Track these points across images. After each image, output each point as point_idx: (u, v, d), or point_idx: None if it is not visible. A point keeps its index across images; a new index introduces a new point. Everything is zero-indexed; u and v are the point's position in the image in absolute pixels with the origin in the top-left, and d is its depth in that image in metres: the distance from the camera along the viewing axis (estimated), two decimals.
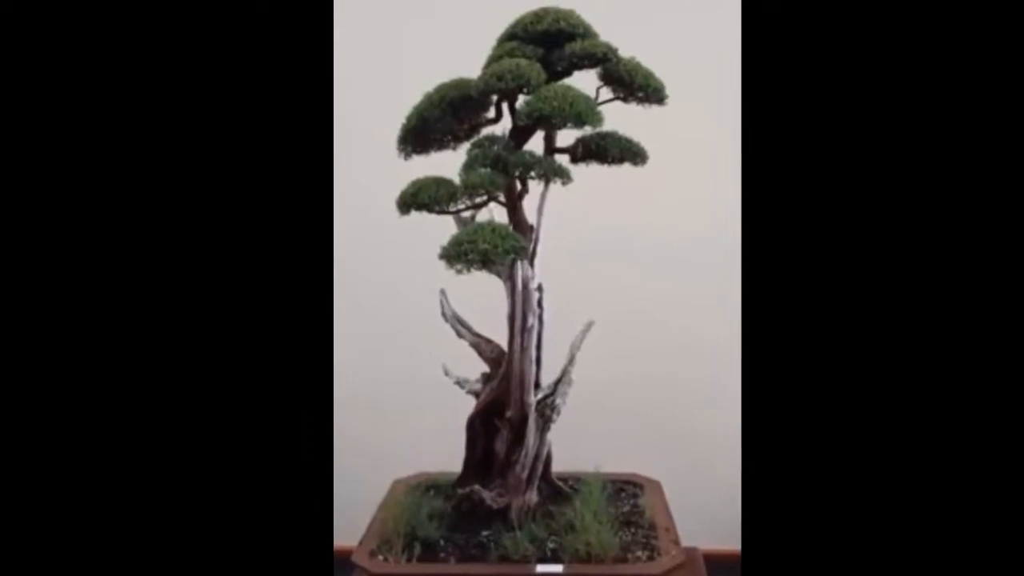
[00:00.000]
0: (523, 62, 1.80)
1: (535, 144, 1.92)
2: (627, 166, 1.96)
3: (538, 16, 1.89)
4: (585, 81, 1.87)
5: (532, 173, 1.83)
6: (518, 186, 1.93)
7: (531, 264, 1.95)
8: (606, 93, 1.92)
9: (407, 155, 1.97)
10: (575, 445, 2.12)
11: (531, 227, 1.96)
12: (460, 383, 2.06)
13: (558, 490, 2.10)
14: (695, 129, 2.56)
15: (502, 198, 1.91)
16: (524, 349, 1.96)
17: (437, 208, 1.85)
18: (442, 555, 1.88)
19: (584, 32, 1.89)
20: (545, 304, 1.99)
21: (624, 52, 1.88)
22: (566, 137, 1.94)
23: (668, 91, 1.90)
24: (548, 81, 1.81)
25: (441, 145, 1.99)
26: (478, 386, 2.05)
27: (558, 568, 1.82)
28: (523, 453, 1.98)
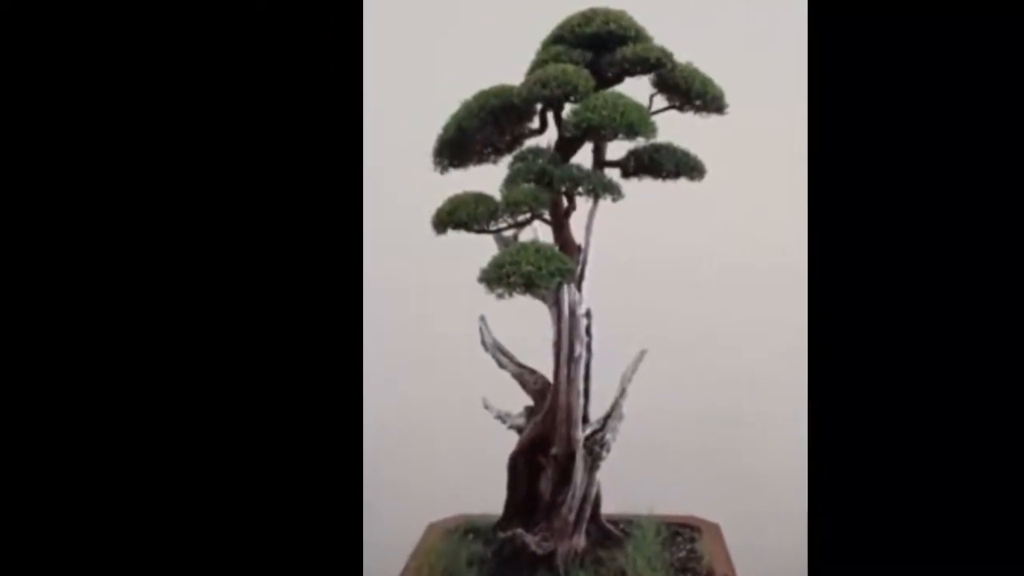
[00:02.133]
0: (570, 68, 1.79)
1: (583, 157, 1.92)
2: (683, 181, 1.96)
3: (586, 17, 1.88)
4: (637, 88, 1.87)
5: (580, 189, 1.82)
6: (564, 203, 1.92)
7: (578, 288, 1.94)
8: (660, 101, 1.91)
9: (443, 169, 1.97)
10: (626, 485, 2.10)
11: (579, 247, 1.95)
12: (502, 417, 2.05)
13: (608, 534, 2.07)
14: (758, 140, 2.54)
15: (547, 216, 1.90)
16: (571, 380, 1.94)
17: (476, 227, 1.84)
18: None
19: (636, 35, 1.88)
20: (594, 331, 1.97)
21: (680, 56, 1.88)
22: (617, 149, 1.93)
23: (728, 99, 1.90)
24: (597, 88, 1.80)
25: (481, 158, 1.99)
26: (521, 421, 2.04)
27: None
28: (570, 494, 1.96)
